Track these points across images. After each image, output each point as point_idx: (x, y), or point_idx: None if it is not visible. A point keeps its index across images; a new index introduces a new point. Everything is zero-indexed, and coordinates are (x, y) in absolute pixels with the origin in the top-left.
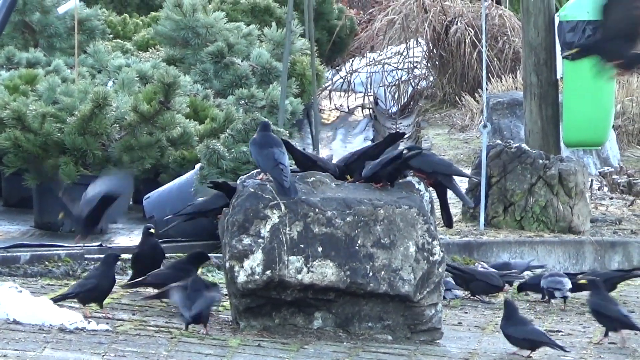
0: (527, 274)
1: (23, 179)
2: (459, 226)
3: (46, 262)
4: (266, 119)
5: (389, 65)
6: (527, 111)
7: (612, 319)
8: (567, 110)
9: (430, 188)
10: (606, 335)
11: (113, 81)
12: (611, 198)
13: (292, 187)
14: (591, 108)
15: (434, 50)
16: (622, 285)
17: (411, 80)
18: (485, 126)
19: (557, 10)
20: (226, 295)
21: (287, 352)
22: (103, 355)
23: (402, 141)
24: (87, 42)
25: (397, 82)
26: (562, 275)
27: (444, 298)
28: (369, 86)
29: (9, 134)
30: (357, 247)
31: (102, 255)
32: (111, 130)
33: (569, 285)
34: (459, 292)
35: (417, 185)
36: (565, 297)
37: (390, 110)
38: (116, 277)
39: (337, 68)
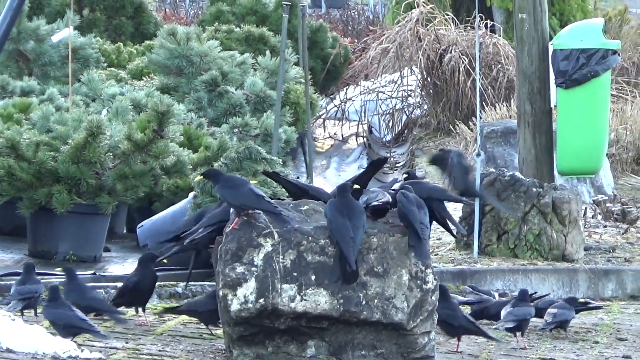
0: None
1: (17, 208)
2: (452, 254)
3: None
4: (211, 167)
5: (383, 93)
6: (521, 139)
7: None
8: (561, 138)
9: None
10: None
11: (107, 110)
12: (605, 226)
13: (287, 216)
14: (585, 136)
15: (428, 79)
16: (616, 313)
17: (405, 109)
18: (479, 154)
19: (551, 38)
20: (219, 323)
21: None
22: None
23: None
24: (81, 71)
25: (391, 111)
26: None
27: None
28: (363, 114)
29: (2, 163)
30: None
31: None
32: (105, 159)
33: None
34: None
35: None
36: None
37: (384, 139)
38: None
39: (331, 96)
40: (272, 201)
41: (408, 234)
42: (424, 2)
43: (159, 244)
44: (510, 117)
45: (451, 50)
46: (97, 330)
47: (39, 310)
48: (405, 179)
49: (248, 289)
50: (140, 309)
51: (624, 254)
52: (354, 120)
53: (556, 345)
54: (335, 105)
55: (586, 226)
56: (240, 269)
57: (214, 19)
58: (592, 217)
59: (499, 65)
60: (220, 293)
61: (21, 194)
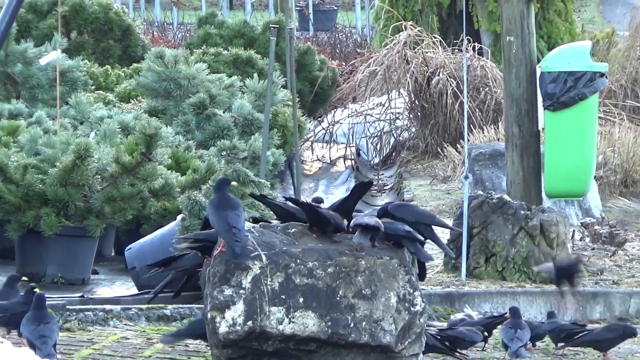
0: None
1: (5, 230)
2: (440, 277)
3: None
4: (223, 177)
5: (371, 116)
6: (508, 162)
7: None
8: (549, 161)
9: None
10: None
11: (95, 132)
12: (593, 249)
13: (243, 252)
14: (573, 159)
15: (416, 102)
16: None
17: (393, 132)
18: (466, 177)
19: (538, 61)
20: (207, 345)
21: None
22: None
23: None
24: (69, 94)
25: (379, 133)
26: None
27: None
28: (351, 137)
29: None
30: (338, 298)
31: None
32: (93, 182)
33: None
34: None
35: None
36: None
37: (372, 162)
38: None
39: (319, 119)
40: (246, 231)
41: (404, 246)
42: (411, 25)
43: (146, 268)
44: (498, 139)
45: (439, 73)
46: (46, 353)
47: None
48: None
49: (236, 312)
50: None
51: (612, 277)
52: (342, 143)
53: None
54: (323, 128)
55: (574, 248)
56: (228, 291)
57: (201, 42)
58: (580, 240)
59: (487, 88)
60: (209, 315)
61: (9, 217)
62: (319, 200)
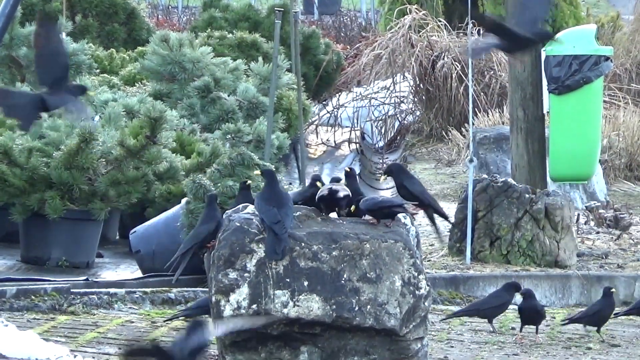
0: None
1: (9, 214)
2: (445, 260)
3: (32, 297)
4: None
5: (376, 99)
6: (513, 146)
7: None
8: (554, 144)
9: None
10: None
11: (100, 116)
12: (597, 232)
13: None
14: (577, 142)
15: (421, 85)
16: (609, 322)
17: (398, 115)
18: (471, 161)
19: (543, 45)
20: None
21: None
22: None
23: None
24: (73, 77)
25: (383, 117)
26: None
27: None
28: (355, 121)
29: None
30: (343, 282)
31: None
32: (97, 165)
33: None
34: None
35: (403, 220)
36: None
37: (377, 145)
38: None
39: (323, 103)
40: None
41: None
42: (416, 8)
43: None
44: (503, 123)
45: (444, 56)
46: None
47: None
48: (346, 174)
49: (241, 295)
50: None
51: (616, 260)
52: (347, 127)
53: (549, 351)
54: (328, 112)
55: (579, 232)
56: (233, 275)
57: (206, 25)
58: (585, 224)
59: (492, 72)
60: (213, 299)
61: (14, 200)
62: (337, 180)
